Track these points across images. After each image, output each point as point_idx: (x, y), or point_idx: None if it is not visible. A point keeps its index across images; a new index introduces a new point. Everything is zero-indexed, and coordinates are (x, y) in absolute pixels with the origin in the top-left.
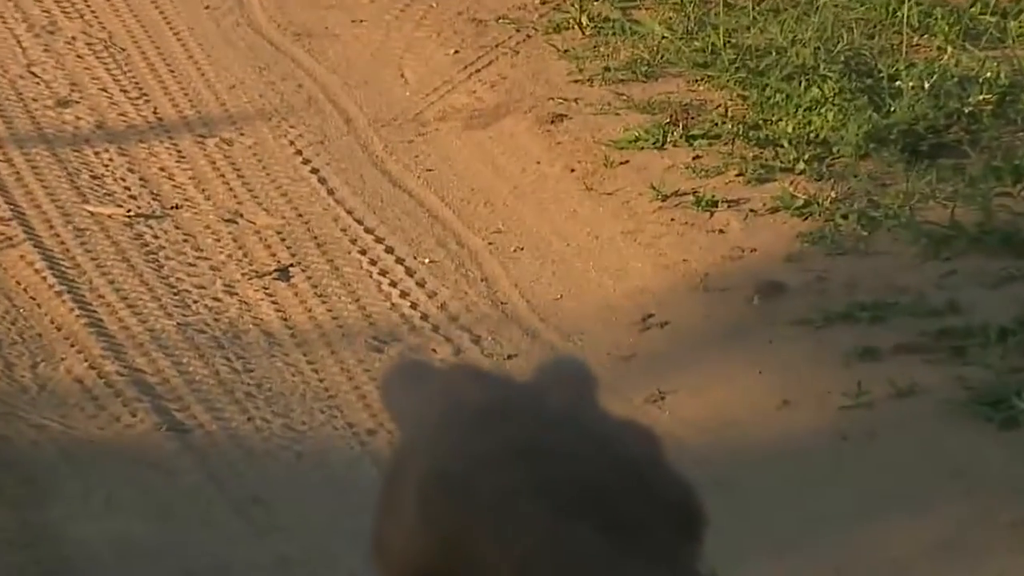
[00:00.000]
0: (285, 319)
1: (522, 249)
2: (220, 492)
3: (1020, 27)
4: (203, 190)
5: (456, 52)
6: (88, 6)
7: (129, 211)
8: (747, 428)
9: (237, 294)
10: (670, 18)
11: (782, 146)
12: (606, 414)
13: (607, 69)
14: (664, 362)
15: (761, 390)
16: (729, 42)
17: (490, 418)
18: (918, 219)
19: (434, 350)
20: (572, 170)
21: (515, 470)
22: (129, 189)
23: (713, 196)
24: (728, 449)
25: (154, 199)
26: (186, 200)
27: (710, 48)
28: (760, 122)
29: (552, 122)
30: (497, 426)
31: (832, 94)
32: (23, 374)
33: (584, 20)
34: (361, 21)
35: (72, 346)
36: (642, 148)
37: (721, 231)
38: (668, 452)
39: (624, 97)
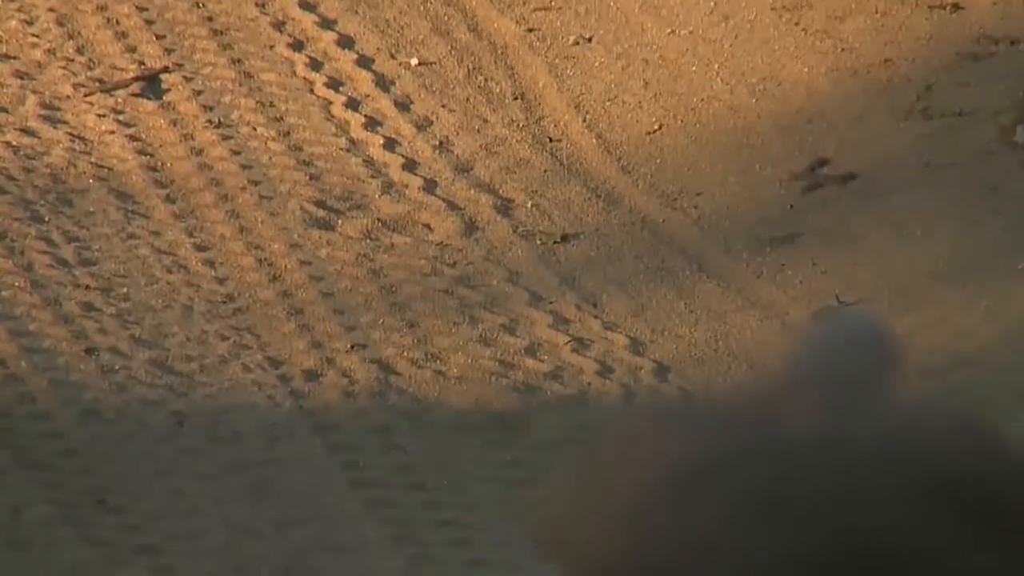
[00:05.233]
0: (153, 168)
1: (588, 40)
2: (47, 491)
3: None
4: None
5: None
6: None
7: None
8: (996, 364)
9: (65, 122)
10: None
11: None
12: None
13: None
14: (847, 248)
15: None
16: None
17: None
18: None
19: (428, 226)
20: None
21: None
22: None
23: None
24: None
25: None
26: None
27: None
28: None
29: None
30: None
31: None
32: None
33: None
34: None
35: None
36: None
37: (956, 6)
38: None
39: None
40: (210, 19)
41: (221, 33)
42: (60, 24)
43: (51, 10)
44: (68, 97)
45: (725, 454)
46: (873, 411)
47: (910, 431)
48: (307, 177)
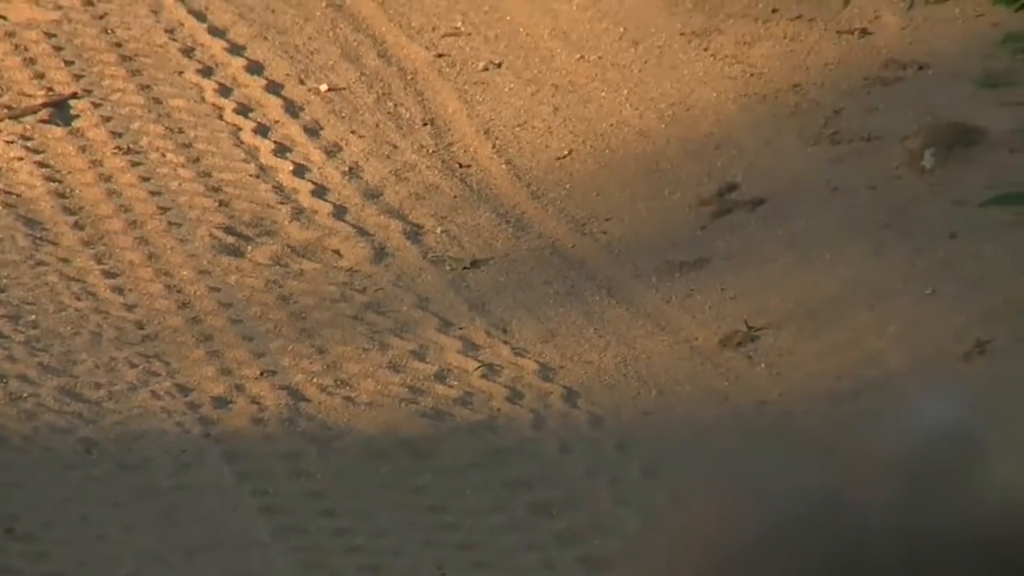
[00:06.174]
0: (62, 194)
1: (498, 65)
2: None
3: None
4: None
5: None
6: None
7: None
8: (903, 390)
9: None
10: None
11: None
12: None
13: None
14: (755, 273)
15: (933, 323)
16: None
17: None
18: None
19: (337, 252)
20: None
21: None
22: None
23: None
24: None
25: None
26: None
27: None
28: None
29: None
30: None
31: None
32: None
33: None
34: None
35: None
36: None
37: (864, 32)
38: None
39: None
40: (119, 45)
41: (130, 59)
42: None
43: None
44: None
45: (796, 531)
46: (951, 501)
47: (985, 521)
48: (216, 203)
